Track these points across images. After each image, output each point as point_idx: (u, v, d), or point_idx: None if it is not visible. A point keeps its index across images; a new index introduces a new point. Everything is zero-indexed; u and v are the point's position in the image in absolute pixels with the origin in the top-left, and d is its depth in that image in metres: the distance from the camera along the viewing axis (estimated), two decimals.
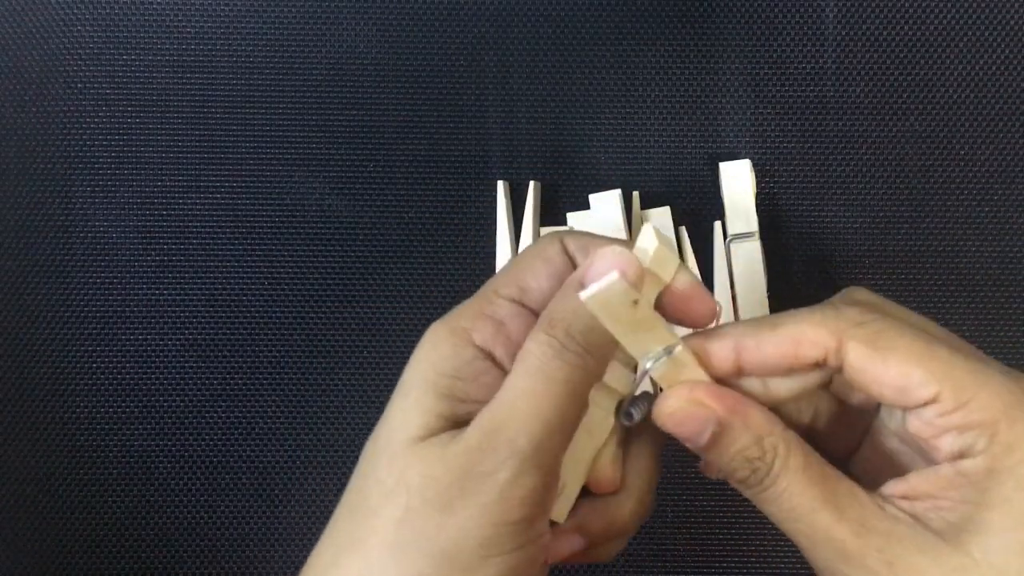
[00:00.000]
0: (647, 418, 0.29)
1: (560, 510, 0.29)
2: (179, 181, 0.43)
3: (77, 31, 0.43)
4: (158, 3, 0.43)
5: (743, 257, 0.41)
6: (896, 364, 0.26)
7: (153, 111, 0.43)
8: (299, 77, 0.43)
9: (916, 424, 0.27)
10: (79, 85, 0.43)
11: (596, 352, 0.27)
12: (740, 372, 0.28)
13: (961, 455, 0.27)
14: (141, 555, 0.43)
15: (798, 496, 0.27)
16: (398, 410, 0.28)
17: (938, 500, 0.27)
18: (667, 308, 0.28)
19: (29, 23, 0.43)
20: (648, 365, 0.27)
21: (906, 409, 0.27)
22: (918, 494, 0.27)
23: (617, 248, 0.27)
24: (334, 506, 0.43)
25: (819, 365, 0.28)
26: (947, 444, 0.27)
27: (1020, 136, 0.42)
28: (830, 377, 0.29)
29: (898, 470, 0.28)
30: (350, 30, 0.43)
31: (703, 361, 0.28)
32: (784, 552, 0.42)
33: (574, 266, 0.29)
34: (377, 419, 0.45)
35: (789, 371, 0.28)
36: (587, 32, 0.43)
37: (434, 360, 0.28)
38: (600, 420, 0.29)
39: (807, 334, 0.27)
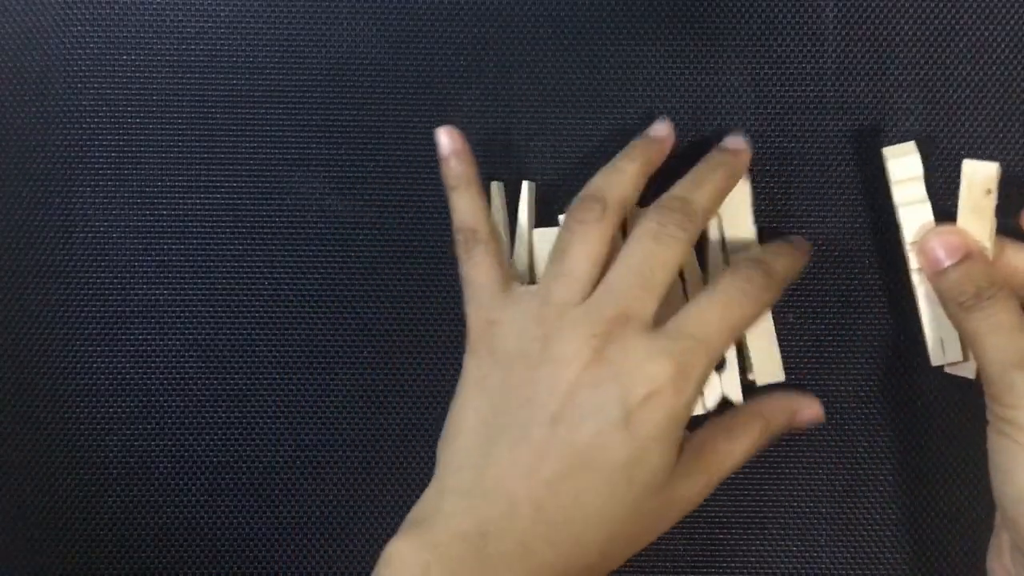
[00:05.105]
0: None
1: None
2: (179, 181, 0.43)
3: (77, 31, 0.43)
4: (158, 3, 0.43)
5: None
6: None
7: (153, 111, 0.43)
8: (299, 77, 0.43)
9: None
10: (79, 85, 0.43)
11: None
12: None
13: None
14: (141, 555, 0.43)
15: (1005, 315, 0.35)
16: None
17: None
18: None
19: (29, 23, 0.43)
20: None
21: None
22: None
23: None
24: (334, 506, 0.43)
25: None
26: None
27: (1020, 136, 0.42)
28: None
29: None
30: (350, 30, 0.43)
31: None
32: (784, 552, 0.42)
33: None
34: (378, 418, 0.45)
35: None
36: (587, 32, 0.43)
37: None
38: None
39: None
